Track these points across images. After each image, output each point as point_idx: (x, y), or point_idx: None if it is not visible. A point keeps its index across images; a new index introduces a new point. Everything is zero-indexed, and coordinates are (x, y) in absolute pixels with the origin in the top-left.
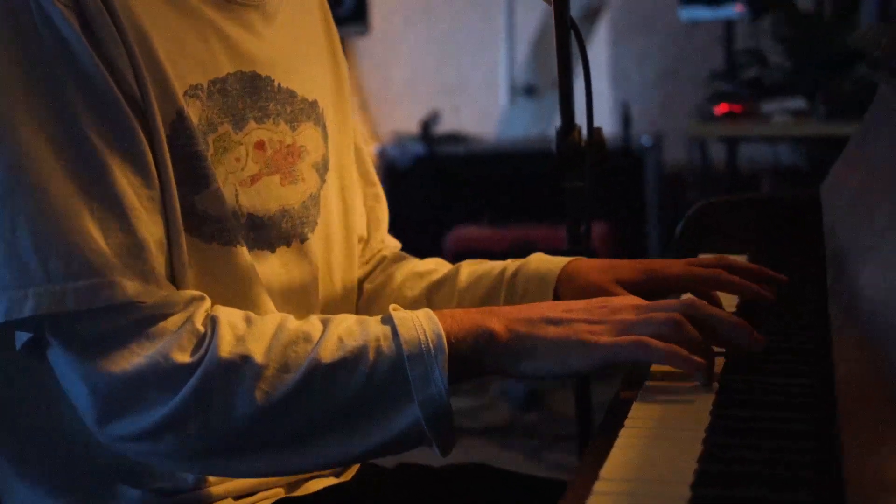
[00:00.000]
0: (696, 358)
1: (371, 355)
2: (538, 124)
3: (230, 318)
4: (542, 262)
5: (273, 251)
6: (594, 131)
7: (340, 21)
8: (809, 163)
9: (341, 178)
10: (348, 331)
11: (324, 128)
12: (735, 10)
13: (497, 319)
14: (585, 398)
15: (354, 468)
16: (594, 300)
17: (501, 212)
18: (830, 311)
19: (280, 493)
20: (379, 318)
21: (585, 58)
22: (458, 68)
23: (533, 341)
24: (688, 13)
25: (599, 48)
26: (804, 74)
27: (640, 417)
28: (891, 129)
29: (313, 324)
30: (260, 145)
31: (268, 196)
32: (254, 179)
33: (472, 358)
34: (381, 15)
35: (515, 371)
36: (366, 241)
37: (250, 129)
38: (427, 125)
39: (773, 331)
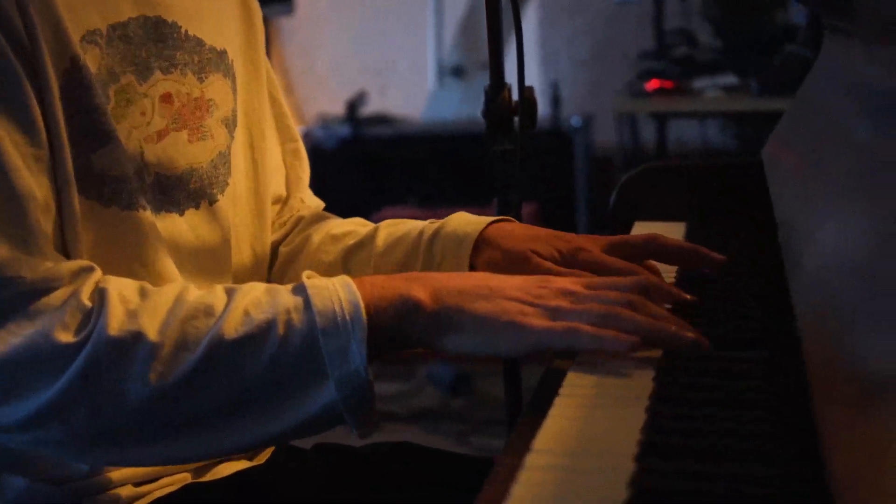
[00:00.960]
0: (630, 337)
1: (280, 329)
2: (466, 105)
3: (122, 290)
4: (460, 225)
5: (181, 214)
6: (525, 90)
7: (264, 0)
8: (739, 142)
9: (251, 135)
10: (255, 302)
11: (233, 80)
12: None
13: (423, 288)
14: (515, 381)
15: (269, 450)
16: (534, 278)
17: (429, 193)
18: (788, 277)
19: (186, 478)
20: (290, 287)
21: (517, 13)
22: (384, 50)
23: (461, 315)
24: None
25: (528, 29)
26: (734, 53)
27: (576, 386)
28: (836, 84)
29: (216, 295)
30: (167, 98)
31: (175, 153)
32: (160, 135)
33: (393, 330)
34: None
35: (439, 346)
36: (284, 201)
37: (156, 80)
38: (353, 106)
39: (718, 297)
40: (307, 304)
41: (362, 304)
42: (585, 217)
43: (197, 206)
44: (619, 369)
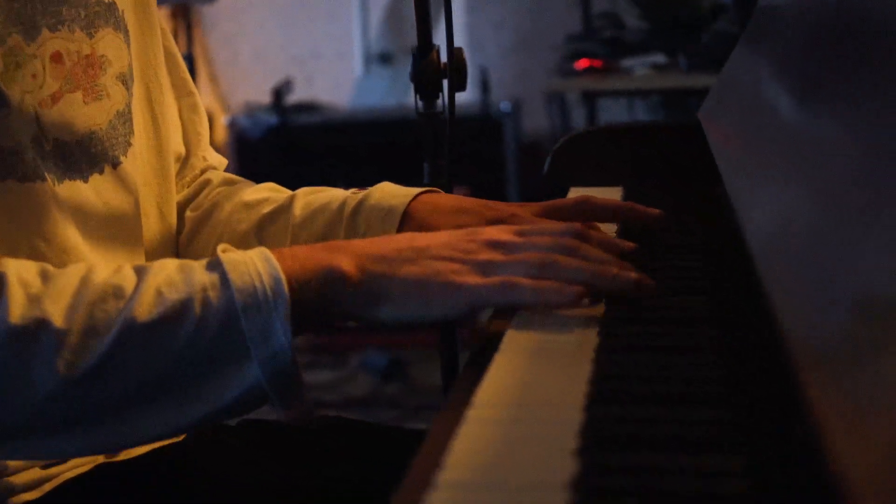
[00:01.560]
0: (572, 288)
1: (197, 309)
2: (394, 92)
3: (21, 273)
4: (384, 197)
5: (86, 181)
6: (454, 52)
7: None
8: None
9: (149, 90)
10: (168, 281)
11: (125, 33)
12: None
13: (346, 257)
14: (452, 367)
15: None
16: (459, 233)
17: (357, 181)
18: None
19: (98, 458)
20: (204, 262)
21: None
22: (310, 37)
23: (389, 282)
24: None
25: (455, 16)
26: (662, 34)
27: (517, 343)
28: (775, 35)
29: (125, 275)
30: (57, 57)
31: (72, 117)
32: (55, 98)
33: (318, 304)
34: None
35: (370, 317)
36: (185, 159)
37: (44, 39)
38: (279, 94)
39: (659, 251)
40: (224, 280)
41: (284, 278)
42: (517, 201)
43: (101, 171)
44: (561, 325)
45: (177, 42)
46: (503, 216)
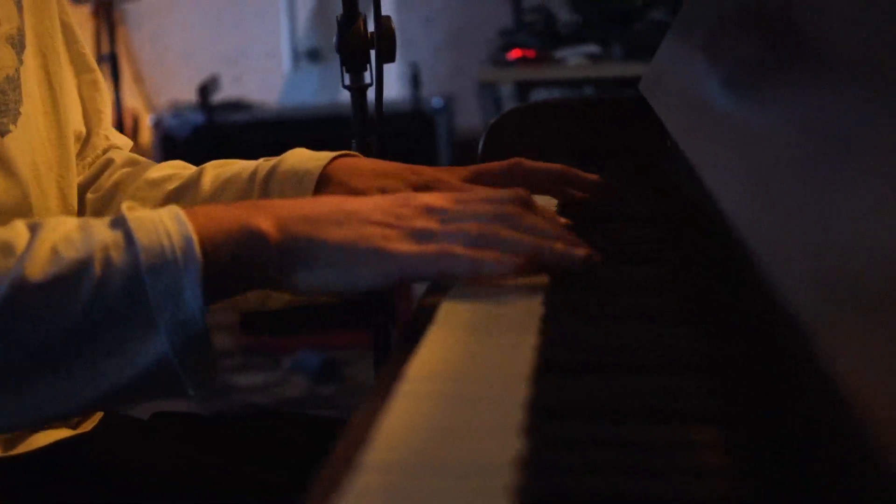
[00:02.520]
0: (513, 258)
1: (97, 269)
2: (324, 89)
3: None
4: (300, 160)
5: None
6: (382, 20)
7: None
8: None
9: (46, 60)
10: (66, 238)
11: None
12: None
13: (267, 217)
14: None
15: (96, 416)
16: (392, 197)
17: None
18: (711, 189)
19: None
20: (108, 219)
21: None
22: (238, 36)
23: (313, 245)
24: None
25: (385, 13)
26: (595, 26)
27: (454, 315)
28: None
29: (17, 231)
30: None
31: None
32: None
33: (234, 268)
34: None
35: (289, 283)
36: (85, 139)
37: None
38: (205, 92)
39: (603, 219)
40: (129, 238)
41: (195, 238)
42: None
43: None
44: (503, 295)
45: (100, 41)
46: (428, 180)
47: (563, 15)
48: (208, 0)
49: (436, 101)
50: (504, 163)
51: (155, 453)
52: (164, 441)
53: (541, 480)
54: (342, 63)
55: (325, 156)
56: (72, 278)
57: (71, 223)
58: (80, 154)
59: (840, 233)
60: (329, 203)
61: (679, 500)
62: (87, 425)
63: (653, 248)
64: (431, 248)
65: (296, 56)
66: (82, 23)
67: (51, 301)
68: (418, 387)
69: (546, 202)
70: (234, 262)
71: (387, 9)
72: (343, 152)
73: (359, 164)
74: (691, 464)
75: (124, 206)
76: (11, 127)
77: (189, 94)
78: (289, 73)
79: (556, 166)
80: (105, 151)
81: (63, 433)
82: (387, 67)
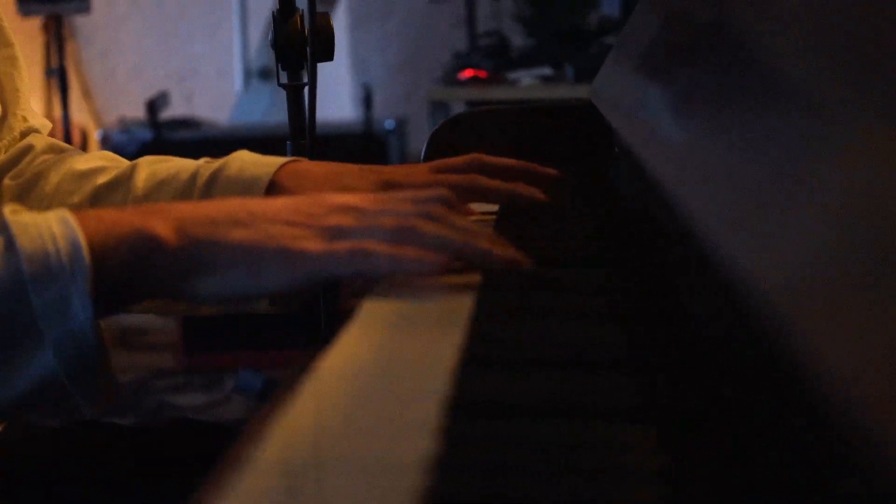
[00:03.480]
0: (435, 256)
1: None
2: (275, 108)
3: None
4: (245, 166)
5: None
6: (319, 17)
7: None
8: None
9: None
10: None
11: None
12: None
13: (163, 220)
14: None
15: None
16: (304, 197)
17: None
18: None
19: None
20: None
21: None
22: (189, 53)
23: (212, 248)
24: None
25: (338, 34)
26: (548, 50)
27: (375, 314)
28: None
29: None
30: None
31: None
32: None
33: (127, 276)
34: None
35: (188, 292)
36: (1, 118)
37: None
38: (153, 108)
39: (548, 221)
40: (9, 244)
41: (84, 243)
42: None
43: None
44: (430, 295)
45: (49, 54)
46: (388, 178)
47: (517, 39)
48: (160, 17)
49: (388, 123)
50: (463, 158)
51: (63, 466)
52: (74, 452)
53: (453, 483)
54: (277, 60)
55: (275, 161)
56: None
57: None
58: None
59: (773, 234)
60: (233, 204)
61: (597, 500)
62: None
63: (591, 251)
64: (344, 245)
65: (247, 75)
66: (32, 36)
67: None
68: (326, 385)
69: (487, 210)
70: (127, 270)
71: (340, 30)
72: (291, 158)
73: (312, 168)
74: (614, 463)
75: (7, 210)
76: None
77: (138, 111)
78: (240, 92)
79: (517, 162)
80: (24, 135)
81: None
82: (339, 88)
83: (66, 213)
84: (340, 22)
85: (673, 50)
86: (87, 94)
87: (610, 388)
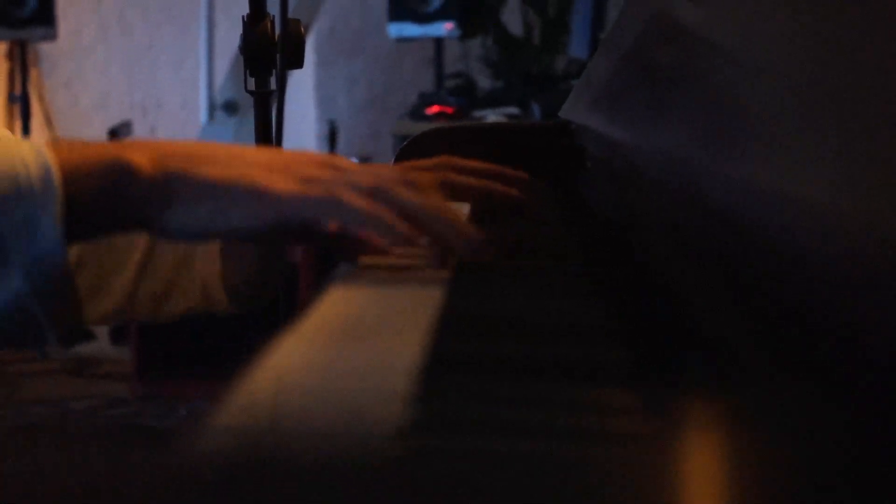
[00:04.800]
0: (407, 225)
1: None
2: (240, 141)
3: None
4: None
5: None
6: (290, 23)
7: (23, 23)
8: None
9: None
10: None
11: None
12: (445, 29)
13: (141, 151)
14: None
15: None
16: (288, 151)
17: None
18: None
19: None
20: None
21: None
22: (153, 85)
23: (188, 182)
24: (396, 29)
25: (305, 71)
26: (515, 91)
27: (342, 297)
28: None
29: None
30: None
31: None
32: None
33: (100, 202)
34: (70, 24)
35: (158, 223)
36: None
37: None
38: (115, 135)
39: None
40: None
41: (56, 167)
42: None
43: None
44: (400, 281)
45: (12, 82)
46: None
47: (485, 82)
48: (125, 48)
49: (352, 161)
50: (432, 160)
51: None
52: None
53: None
54: (245, 65)
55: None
56: None
57: None
58: None
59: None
60: (213, 145)
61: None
62: None
63: (561, 248)
64: (316, 190)
65: (212, 107)
66: None
67: None
68: (300, 359)
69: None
70: (99, 196)
71: (308, 68)
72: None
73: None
74: (614, 428)
75: None
76: None
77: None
78: (204, 125)
79: (486, 165)
80: None
81: None
82: (304, 125)
83: (35, 141)
84: (308, 59)
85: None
86: (49, 121)
87: (587, 352)
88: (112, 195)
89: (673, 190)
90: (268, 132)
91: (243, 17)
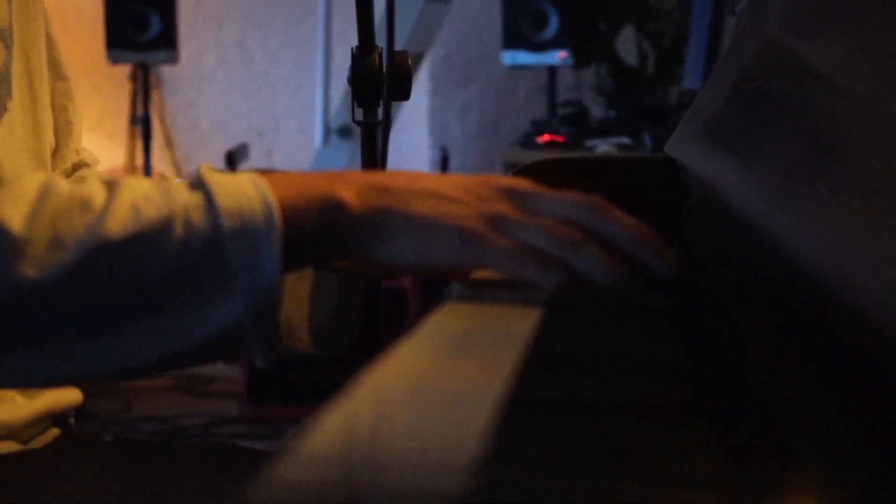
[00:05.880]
0: (611, 262)
1: (178, 230)
2: (354, 165)
3: None
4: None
5: None
6: (397, 55)
7: (146, 46)
8: None
9: (29, 61)
10: (146, 197)
11: None
12: (558, 57)
13: (347, 186)
14: None
15: (50, 434)
16: (472, 177)
17: None
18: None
19: None
20: (186, 181)
21: None
22: (271, 109)
23: (392, 217)
24: (510, 57)
25: (419, 99)
26: (627, 121)
27: (450, 314)
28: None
29: (92, 188)
30: None
31: None
32: None
33: (312, 236)
34: (192, 49)
35: (366, 254)
36: (54, 149)
37: None
38: (233, 159)
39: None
40: (209, 200)
41: (276, 204)
42: None
43: None
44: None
45: (135, 104)
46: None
47: (597, 110)
48: (245, 72)
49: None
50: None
51: (100, 476)
52: (115, 464)
53: (501, 477)
54: (353, 97)
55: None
56: (152, 237)
57: (147, 182)
58: (52, 166)
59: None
60: (409, 176)
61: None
62: (39, 441)
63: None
64: (508, 244)
65: (327, 132)
66: (120, 83)
67: (130, 258)
68: (383, 383)
69: None
70: (313, 231)
71: (422, 95)
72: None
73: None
74: (674, 465)
75: (201, 168)
76: None
77: (218, 163)
78: (319, 149)
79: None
80: (76, 168)
81: (10, 446)
82: (417, 152)
83: (256, 175)
84: (422, 87)
85: (740, 115)
86: (169, 143)
87: (670, 393)
88: (324, 229)
89: (773, 235)
90: (374, 161)
91: (352, 49)
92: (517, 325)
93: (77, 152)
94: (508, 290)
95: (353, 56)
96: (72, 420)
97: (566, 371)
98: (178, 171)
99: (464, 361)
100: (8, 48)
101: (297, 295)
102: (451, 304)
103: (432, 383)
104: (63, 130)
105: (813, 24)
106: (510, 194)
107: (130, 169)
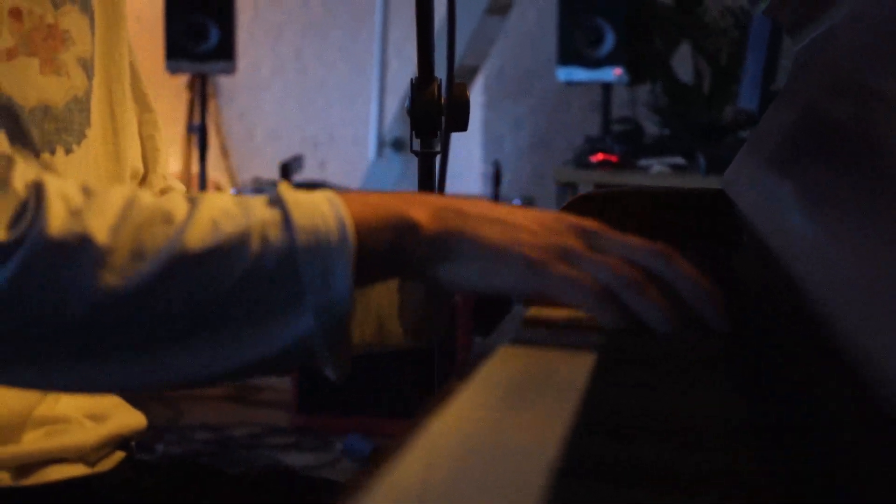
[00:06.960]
0: (666, 306)
1: (254, 245)
2: (407, 179)
3: (62, 188)
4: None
5: (37, 156)
6: (456, 87)
7: (204, 56)
8: None
9: (111, 91)
10: (225, 212)
11: (91, 19)
12: (614, 74)
13: (421, 207)
14: None
15: (115, 458)
16: (544, 211)
17: None
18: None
19: (4, 479)
20: (265, 198)
21: (451, 4)
22: (326, 120)
23: (462, 240)
24: (565, 73)
25: (473, 112)
26: (682, 140)
27: (493, 373)
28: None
29: (175, 201)
30: (16, 14)
31: (26, 82)
32: (10, 54)
33: (385, 255)
34: (249, 59)
35: (434, 275)
36: (143, 177)
37: None
38: (287, 170)
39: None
40: (286, 217)
41: (350, 224)
42: None
43: (52, 152)
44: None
45: (192, 113)
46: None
47: (651, 128)
48: (300, 83)
49: (515, 202)
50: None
51: (165, 499)
52: (176, 488)
53: None
54: (412, 127)
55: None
56: (229, 251)
57: (227, 198)
58: None
59: None
60: (483, 203)
61: None
62: (105, 465)
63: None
64: (575, 275)
65: (381, 144)
66: (177, 93)
67: (207, 271)
68: (434, 443)
69: None
70: (385, 250)
71: (475, 108)
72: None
73: None
74: None
75: (280, 187)
76: (75, 147)
77: (272, 172)
78: (373, 161)
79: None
80: (163, 192)
81: (78, 469)
82: (470, 165)
83: (332, 194)
84: (476, 100)
85: (808, 146)
86: (224, 152)
87: (726, 460)
88: (396, 249)
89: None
90: (431, 191)
91: (412, 80)
92: (572, 374)
93: (164, 178)
94: (562, 332)
95: (412, 87)
96: (132, 443)
97: (622, 430)
98: (233, 180)
99: (519, 414)
100: (89, 78)
101: (387, 288)
102: (505, 349)
103: (486, 441)
104: (150, 157)
105: (890, 60)
106: (580, 231)
107: (186, 177)
